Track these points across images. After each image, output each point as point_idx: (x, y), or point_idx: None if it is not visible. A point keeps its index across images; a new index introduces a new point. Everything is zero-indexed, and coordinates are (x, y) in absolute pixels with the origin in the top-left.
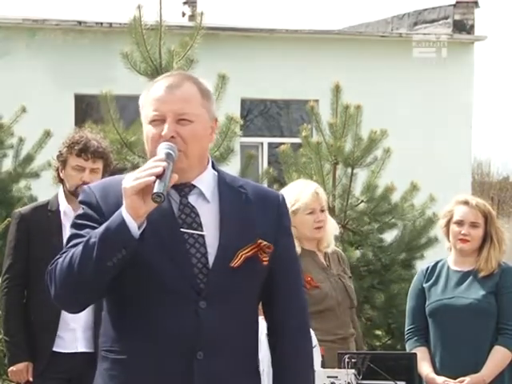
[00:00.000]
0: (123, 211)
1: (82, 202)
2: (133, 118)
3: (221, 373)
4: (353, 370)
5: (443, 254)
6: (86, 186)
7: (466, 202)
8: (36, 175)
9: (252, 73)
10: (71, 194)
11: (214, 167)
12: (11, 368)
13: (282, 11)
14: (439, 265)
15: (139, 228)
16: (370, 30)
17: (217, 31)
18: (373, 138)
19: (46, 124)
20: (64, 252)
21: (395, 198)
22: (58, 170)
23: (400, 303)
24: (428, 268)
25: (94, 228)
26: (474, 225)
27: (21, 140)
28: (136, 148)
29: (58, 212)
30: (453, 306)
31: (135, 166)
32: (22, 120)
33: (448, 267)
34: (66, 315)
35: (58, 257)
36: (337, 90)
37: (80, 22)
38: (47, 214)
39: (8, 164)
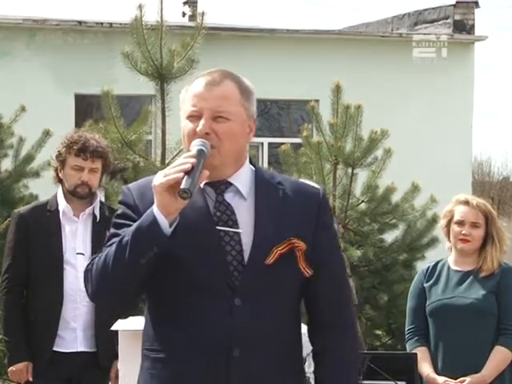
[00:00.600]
0: (154, 209)
1: (121, 203)
2: (133, 117)
3: (258, 370)
4: None
5: (444, 254)
6: (124, 187)
7: (467, 202)
8: (36, 175)
9: (252, 73)
10: (70, 194)
11: (251, 164)
12: (11, 368)
13: (282, 11)
14: (439, 265)
15: (171, 225)
16: (370, 30)
17: (217, 31)
18: (373, 138)
19: (46, 124)
20: (103, 250)
21: (396, 198)
22: (56, 169)
23: (400, 303)
24: (428, 268)
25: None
26: (474, 225)
27: (21, 140)
28: (136, 147)
29: (57, 212)
30: (453, 305)
31: (136, 166)
32: (21, 120)
33: (448, 267)
34: (65, 315)
35: (94, 256)
36: (337, 90)
37: (80, 22)
38: (46, 214)
39: (8, 164)
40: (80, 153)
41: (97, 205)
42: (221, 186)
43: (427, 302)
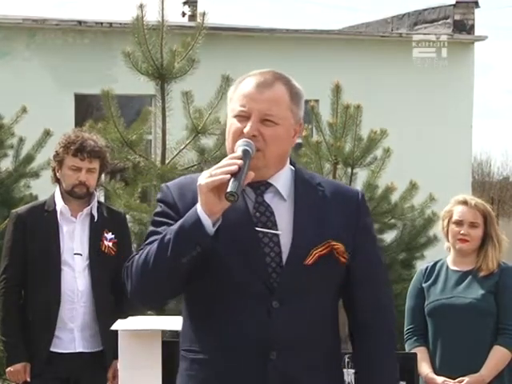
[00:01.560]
0: (198, 208)
1: (159, 201)
2: (133, 117)
3: (294, 373)
4: (353, 370)
5: (443, 253)
6: (163, 185)
7: (465, 202)
8: (36, 175)
9: None
10: (68, 194)
11: (292, 165)
12: (9, 368)
13: (282, 11)
14: (438, 264)
15: (214, 225)
16: (370, 30)
17: (217, 31)
18: (373, 137)
19: (46, 124)
20: (141, 249)
21: (395, 197)
22: (54, 169)
23: (400, 303)
24: (427, 268)
25: (171, 225)
26: (473, 225)
27: (21, 140)
28: (137, 147)
29: (54, 212)
30: (452, 305)
31: (136, 166)
32: (22, 120)
33: (447, 267)
34: (63, 315)
35: (134, 253)
36: (337, 89)
37: (80, 22)
38: (44, 214)
39: (8, 164)
40: (77, 153)
41: (94, 205)
42: (261, 186)
43: (426, 302)
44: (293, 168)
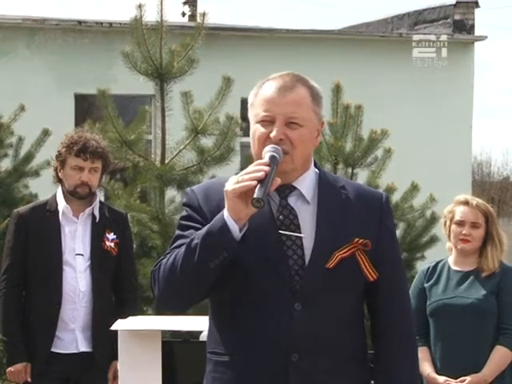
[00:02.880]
0: (225, 213)
1: (185, 205)
2: (133, 117)
3: (316, 375)
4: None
5: (444, 253)
6: (188, 189)
7: (467, 203)
8: (36, 174)
9: (252, 73)
10: (70, 194)
11: (317, 167)
12: (9, 368)
13: (282, 11)
14: (440, 265)
15: (241, 231)
16: (370, 30)
17: (217, 31)
18: (373, 137)
19: (45, 124)
20: (168, 253)
21: (395, 198)
22: (56, 169)
23: None
24: (429, 268)
25: (198, 229)
26: (474, 225)
27: (20, 139)
28: (136, 147)
29: (56, 212)
30: (453, 305)
31: (136, 166)
32: (21, 119)
33: (449, 267)
34: (64, 316)
35: (162, 258)
36: (337, 89)
37: (80, 22)
38: (46, 214)
39: (8, 163)
40: (80, 153)
41: (96, 205)
42: (285, 190)
43: (427, 302)
44: (317, 171)
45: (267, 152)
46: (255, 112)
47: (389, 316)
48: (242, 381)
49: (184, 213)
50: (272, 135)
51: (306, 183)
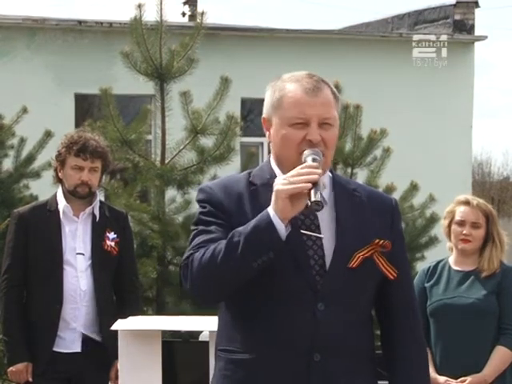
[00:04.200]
0: (271, 213)
1: (203, 201)
2: (133, 117)
3: (337, 374)
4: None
5: (444, 253)
6: (205, 186)
7: (467, 203)
8: (37, 175)
9: (252, 73)
10: (70, 194)
11: (329, 170)
12: (11, 368)
13: (282, 11)
14: (440, 265)
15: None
16: (370, 30)
17: (217, 31)
18: (372, 137)
19: (46, 124)
20: (198, 247)
21: (395, 197)
22: (56, 169)
23: None
24: (429, 268)
25: (221, 225)
26: (475, 225)
27: (22, 140)
28: (136, 147)
29: (56, 211)
30: (454, 305)
31: (136, 165)
32: (21, 120)
33: (449, 267)
34: (65, 315)
35: (191, 252)
36: (337, 89)
37: (80, 22)
38: (46, 214)
39: (9, 164)
40: (80, 153)
41: (96, 204)
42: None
43: (428, 302)
44: (330, 174)
45: (309, 155)
46: (286, 115)
47: (401, 320)
48: (260, 379)
49: (203, 209)
50: (313, 138)
51: (325, 183)
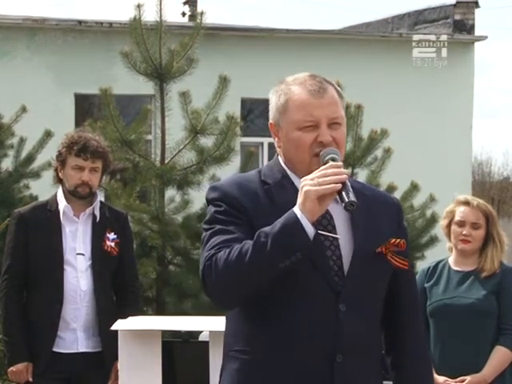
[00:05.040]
0: (298, 213)
1: (218, 200)
2: (133, 117)
3: (359, 376)
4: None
5: (444, 253)
6: (218, 184)
7: (467, 203)
8: (37, 175)
9: (252, 73)
10: (71, 194)
11: None
12: (11, 368)
13: (282, 11)
14: (440, 265)
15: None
16: (370, 30)
17: (217, 31)
18: (373, 137)
19: (46, 124)
20: (220, 247)
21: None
22: (57, 169)
23: None
24: (429, 268)
25: (239, 224)
26: (475, 226)
27: (21, 140)
28: (136, 147)
29: (57, 212)
30: (454, 306)
31: (136, 166)
32: (21, 120)
33: (449, 267)
34: (65, 315)
35: (213, 252)
36: None
37: (80, 22)
38: (46, 214)
39: (8, 164)
40: (80, 153)
41: (97, 205)
42: None
43: (428, 303)
44: None
45: (328, 155)
46: (295, 118)
47: (410, 316)
48: (284, 381)
49: (218, 208)
50: (324, 139)
51: None
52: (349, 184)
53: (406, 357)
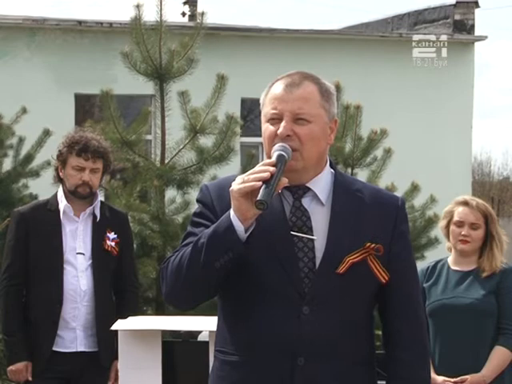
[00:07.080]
0: (231, 213)
1: (198, 201)
2: (133, 117)
3: (322, 379)
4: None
5: (444, 254)
6: (203, 185)
7: (466, 203)
8: (36, 175)
9: (252, 73)
10: (71, 194)
11: (333, 168)
12: (10, 367)
13: (282, 11)
14: (439, 265)
15: (246, 231)
16: (369, 30)
17: (217, 31)
18: (373, 138)
19: (46, 124)
20: (177, 250)
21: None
22: (57, 169)
23: None
24: (428, 268)
25: (208, 227)
26: (474, 226)
27: (21, 140)
28: (136, 147)
29: (57, 211)
30: (453, 305)
31: (135, 166)
32: (22, 120)
33: (448, 267)
34: (65, 315)
35: (170, 255)
36: (337, 90)
37: (80, 22)
38: (46, 214)
39: (8, 164)
40: (81, 153)
41: (97, 205)
42: (299, 190)
43: (427, 302)
44: (333, 171)
45: (275, 151)
46: (264, 111)
47: (401, 322)
48: (245, 381)
49: (197, 209)
50: (279, 131)
51: (321, 184)
52: (273, 182)
53: (392, 363)
